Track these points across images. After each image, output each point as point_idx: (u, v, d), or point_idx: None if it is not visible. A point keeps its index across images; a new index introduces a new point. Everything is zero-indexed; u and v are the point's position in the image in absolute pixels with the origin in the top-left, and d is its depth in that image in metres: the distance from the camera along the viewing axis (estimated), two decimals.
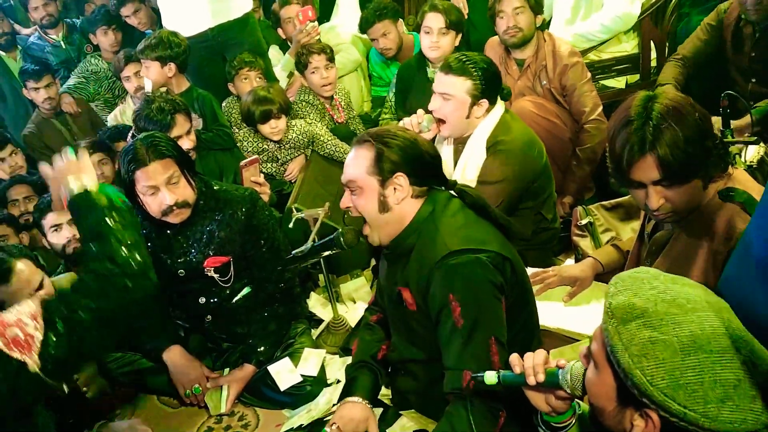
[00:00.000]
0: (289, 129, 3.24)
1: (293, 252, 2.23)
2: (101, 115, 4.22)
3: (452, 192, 1.82)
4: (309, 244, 2.18)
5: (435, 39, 3.15)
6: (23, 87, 3.90)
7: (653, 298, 1.08)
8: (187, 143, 2.78)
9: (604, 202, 2.51)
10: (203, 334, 2.49)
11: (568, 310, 2.14)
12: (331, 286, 2.53)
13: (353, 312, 2.65)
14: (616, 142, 1.56)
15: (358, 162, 1.75)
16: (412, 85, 3.39)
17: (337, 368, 2.36)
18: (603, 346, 1.11)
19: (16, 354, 1.39)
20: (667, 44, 3.45)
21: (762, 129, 2.46)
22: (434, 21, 3.14)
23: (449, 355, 1.66)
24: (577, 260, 2.41)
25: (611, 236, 2.41)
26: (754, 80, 2.93)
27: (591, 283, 2.17)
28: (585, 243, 2.43)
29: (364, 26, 3.66)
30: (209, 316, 2.44)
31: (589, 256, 2.24)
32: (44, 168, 1.74)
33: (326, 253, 2.15)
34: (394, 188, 1.72)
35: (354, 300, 2.75)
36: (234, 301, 2.42)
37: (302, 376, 2.28)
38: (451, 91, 2.39)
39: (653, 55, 3.44)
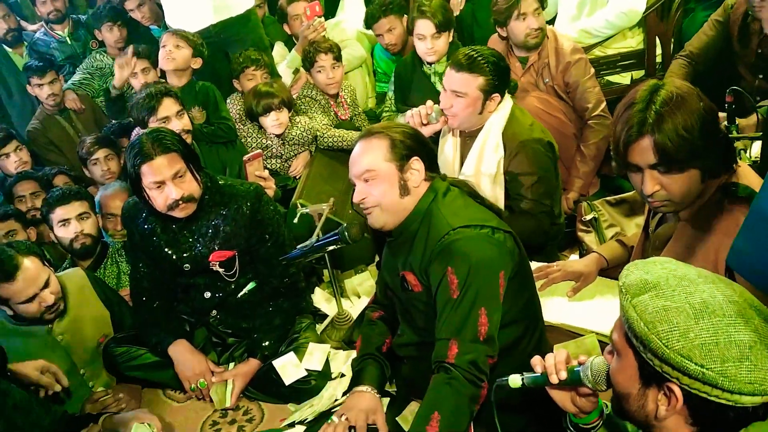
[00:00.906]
0: (293, 126, 3.24)
1: (298, 247, 2.24)
2: (105, 111, 4.22)
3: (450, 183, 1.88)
4: (314, 239, 2.19)
5: (429, 45, 3.15)
6: (27, 83, 3.91)
7: (664, 274, 1.11)
8: (177, 124, 2.76)
9: (608, 198, 2.52)
10: (208, 328, 2.50)
11: (572, 305, 2.14)
12: (335, 281, 2.53)
13: (357, 307, 2.65)
14: (617, 124, 1.59)
15: (372, 152, 1.81)
16: (410, 82, 3.38)
17: (341, 363, 2.36)
18: (622, 333, 1.13)
19: None
20: (672, 40, 3.44)
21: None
22: (424, 27, 3.13)
23: (440, 326, 1.71)
24: (581, 255, 2.42)
25: (616, 231, 2.41)
26: (761, 76, 2.92)
27: (595, 279, 2.18)
28: (589, 238, 2.44)
29: (370, 22, 3.65)
30: (214, 311, 2.45)
31: (593, 252, 2.24)
32: None
33: (331, 248, 2.16)
34: (411, 172, 1.80)
35: (358, 295, 2.76)
36: (239, 295, 2.43)
37: (307, 370, 2.28)
38: (464, 89, 2.39)
39: (658, 51, 3.43)
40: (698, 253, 1.64)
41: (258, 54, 3.45)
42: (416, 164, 1.81)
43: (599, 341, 1.90)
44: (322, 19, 3.59)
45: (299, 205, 2.60)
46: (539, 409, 1.60)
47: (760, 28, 2.88)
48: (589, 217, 2.44)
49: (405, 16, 3.70)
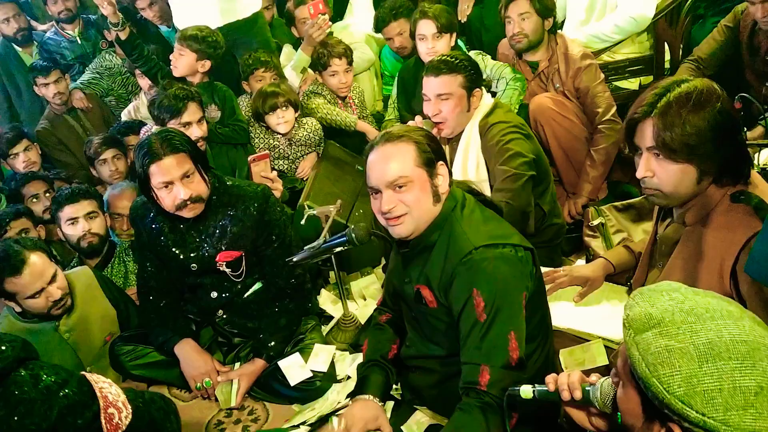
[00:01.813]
0: (300, 127, 3.25)
1: (305, 248, 2.25)
2: (114, 110, 4.25)
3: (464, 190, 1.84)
4: (320, 240, 2.19)
5: (431, 45, 3.15)
6: (33, 83, 3.94)
7: (671, 308, 1.06)
8: (197, 131, 2.82)
9: (616, 203, 2.51)
10: (214, 328, 2.51)
11: (579, 310, 2.14)
12: (341, 283, 2.53)
13: (363, 309, 2.66)
14: (634, 103, 1.63)
15: (400, 157, 1.69)
16: (413, 86, 3.39)
17: (346, 364, 2.37)
18: (626, 365, 1.11)
19: (104, 427, 1.63)
20: (681, 46, 3.43)
21: None
22: (426, 28, 3.14)
23: (467, 349, 1.67)
24: (588, 260, 2.41)
25: (623, 237, 2.40)
26: None
27: (602, 284, 2.17)
28: (596, 243, 2.43)
29: (380, 25, 3.65)
30: (221, 311, 2.46)
31: (600, 257, 2.24)
32: None
33: (337, 250, 2.16)
34: (439, 177, 1.73)
35: (364, 297, 2.76)
36: (245, 296, 2.44)
37: (312, 371, 2.29)
38: (447, 89, 2.48)
39: (667, 56, 3.43)
40: (704, 259, 1.64)
41: (267, 56, 3.47)
42: (442, 169, 1.73)
43: (605, 346, 1.90)
44: (326, 17, 3.58)
45: (307, 207, 2.60)
46: (551, 421, 1.59)
47: None
48: (596, 222, 2.43)
49: None
